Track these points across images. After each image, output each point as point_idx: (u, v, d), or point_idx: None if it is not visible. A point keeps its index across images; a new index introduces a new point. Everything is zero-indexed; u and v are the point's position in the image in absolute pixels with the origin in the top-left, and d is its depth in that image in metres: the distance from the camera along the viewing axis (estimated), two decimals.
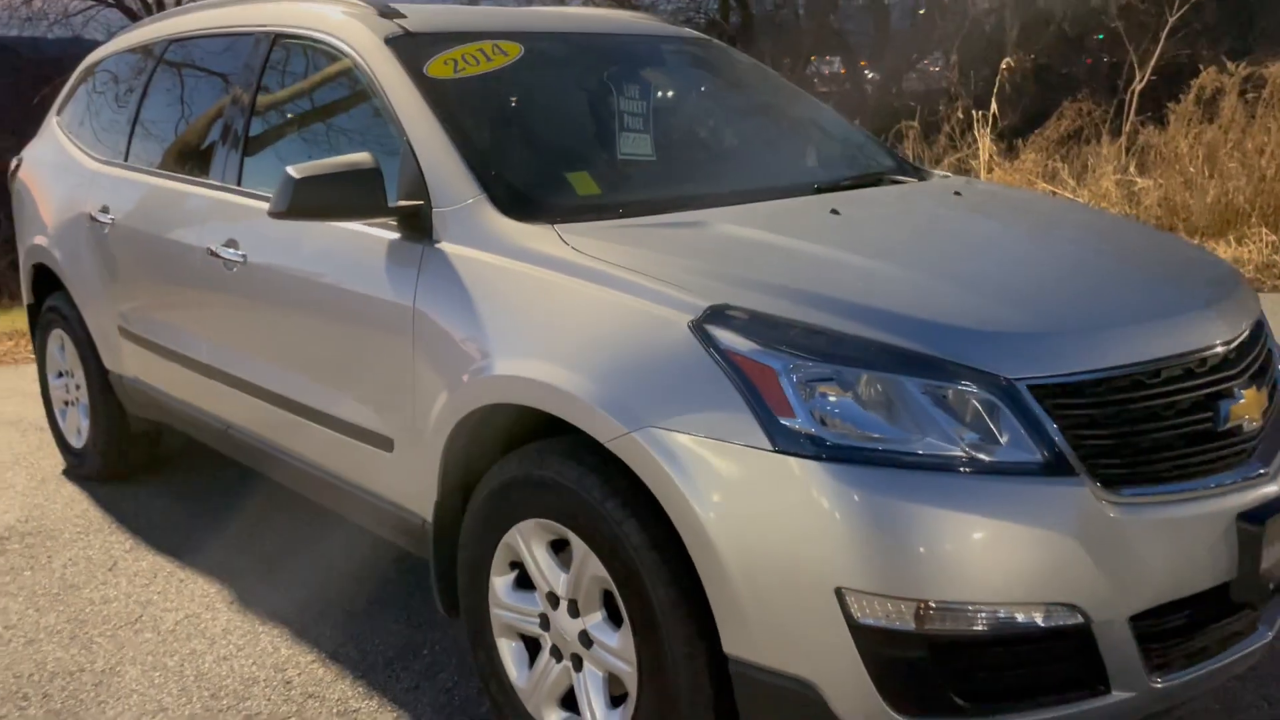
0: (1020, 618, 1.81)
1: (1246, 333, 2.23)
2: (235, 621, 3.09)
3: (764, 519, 1.84)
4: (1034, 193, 3.43)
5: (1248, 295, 2.41)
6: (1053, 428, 1.85)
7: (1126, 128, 9.62)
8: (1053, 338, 1.94)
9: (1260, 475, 2.06)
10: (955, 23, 13.72)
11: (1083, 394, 1.91)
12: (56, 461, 4.47)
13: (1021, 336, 1.93)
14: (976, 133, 8.71)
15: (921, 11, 16.71)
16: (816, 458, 1.81)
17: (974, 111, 8.73)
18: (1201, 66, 9.24)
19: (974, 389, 1.86)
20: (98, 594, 3.30)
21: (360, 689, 2.72)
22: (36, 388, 4.69)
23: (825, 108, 3.56)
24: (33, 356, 6.20)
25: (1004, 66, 8.68)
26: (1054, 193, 9.10)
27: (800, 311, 1.95)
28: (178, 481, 4.21)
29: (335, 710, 2.63)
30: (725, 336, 1.92)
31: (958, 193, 2.83)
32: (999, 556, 1.79)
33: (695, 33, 3.69)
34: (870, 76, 17.71)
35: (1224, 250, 7.72)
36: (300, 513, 3.75)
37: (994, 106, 8.60)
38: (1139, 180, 9.08)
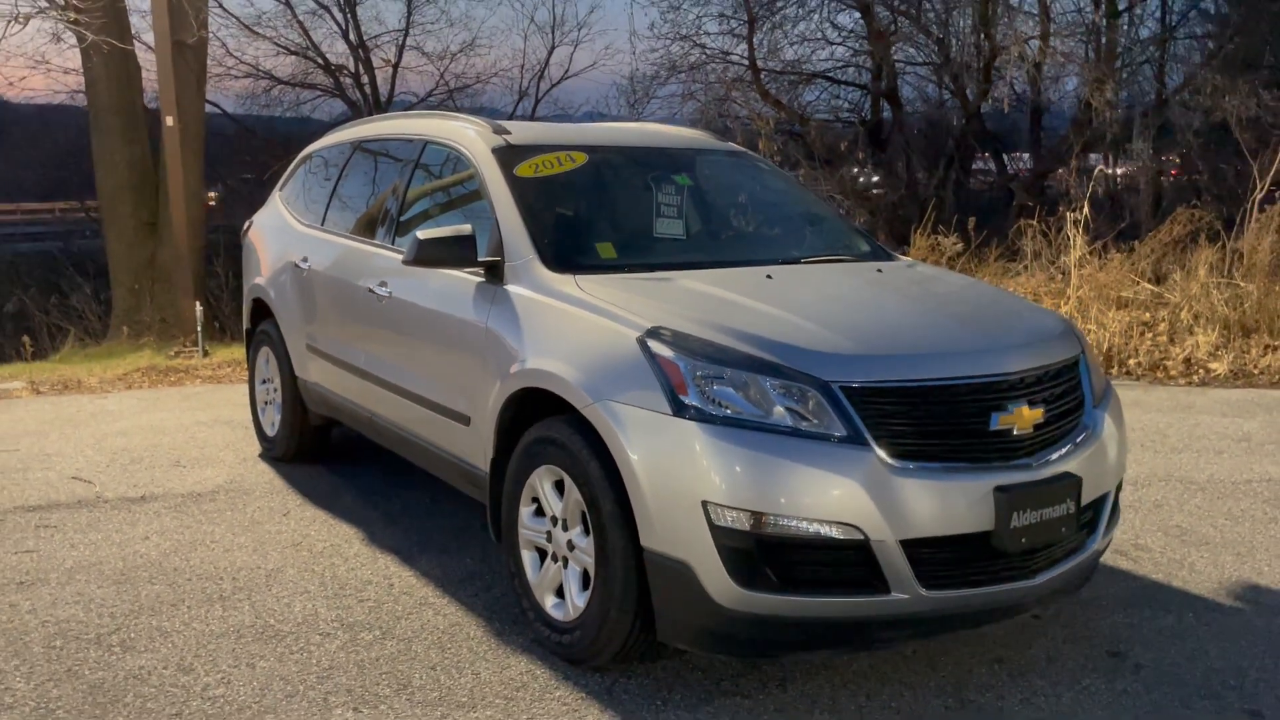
0: (818, 529, 2.83)
1: (1043, 369, 3.18)
2: (363, 550, 4.36)
3: (665, 457, 2.93)
4: (948, 272, 4.34)
5: (1062, 344, 3.36)
6: (854, 414, 2.89)
7: (1249, 233, 10.08)
8: (862, 358, 2.98)
9: (1022, 465, 3.02)
10: (1092, 129, 14.36)
11: (880, 395, 2.93)
12: (255, 447, 5.94)
13: (841, 356, 2.97)
14: (1069, 232, 9.45)
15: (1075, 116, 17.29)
16: (699, 420, 2.90)
17: (1068, 213, 9.49)
18: None
19: (804, 386, 2.91)
20: (274, 528, 4.65)
21: (439, 592, 3.92)
22: (246, 400, 6.20)
23: (826, 205, 4.65)
24: (245, 380, 7.87)
25: (1098, 171, 9.39)
26: (1157, 291, 9.70)
27: (706, 333, 3.06)
28: (337, 464, 5.58)
29: (419, 602, 3.83)
30: (655, 345, 3.05)
31: (879, 270, 3.88)
32: (806, 489, 2.82)
33: (734, 145, 4.87)
34: (1018, 175, 18.32)
35: None
36: (415, 487, 5.05)
37: (1086, 209, 9.34)
38: (1241, 283, 9.57)
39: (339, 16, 20.77)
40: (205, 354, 9.73)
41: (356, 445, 5.76)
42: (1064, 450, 3.15)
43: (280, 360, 5.48)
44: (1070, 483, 3.08)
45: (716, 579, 2.87)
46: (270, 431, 5.73)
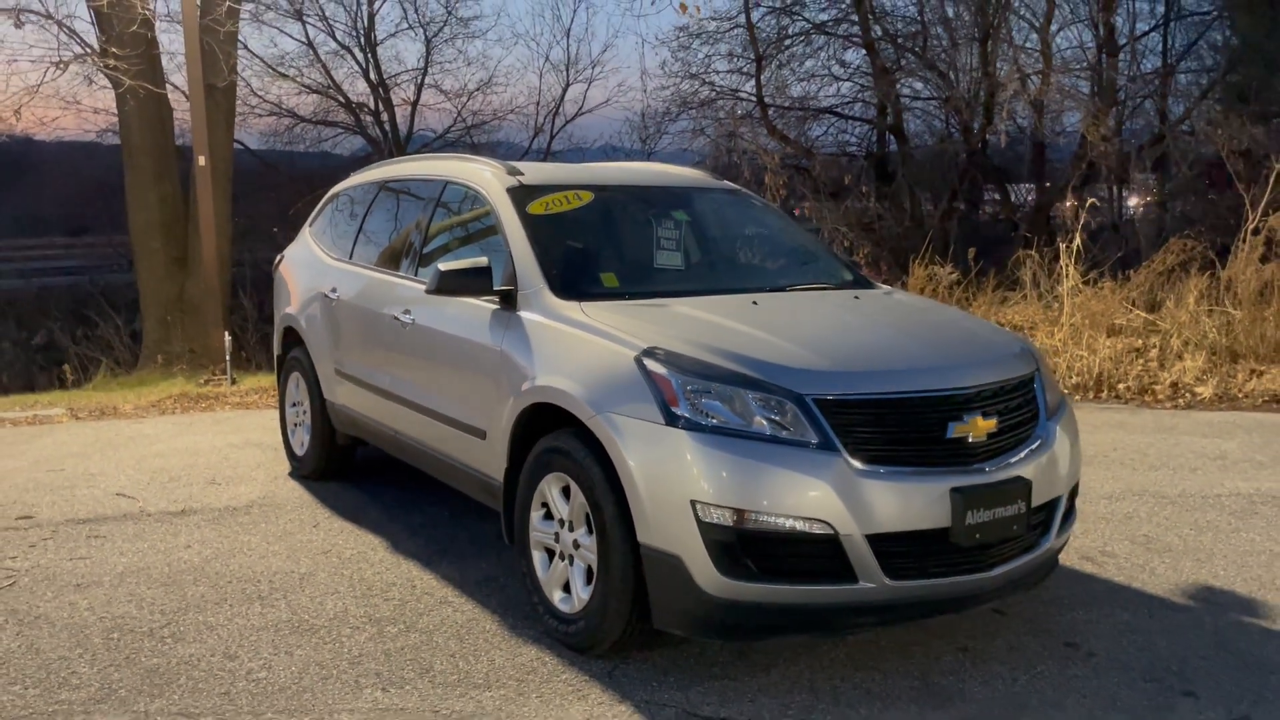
0: (793, 525, 3.20)
1: (998, 384, 3.55)
2: (388, 556, 4.75)
3: (659, 462, 3.31)
4: (920, 299, 4.70)
5: (1017, 363, 3.73)
6: (825, 423, 3.26)
7: (1238, 262, 10.40)
8: (833, 374, 3.36)
9: (977, 469, 3.39)
10: (1091, 163, 14.73)
11: (849, 407, 3.31)
12: (284, 466, 6.34)
13: (815, 372, 3.36)
14: (1062, 262, 9.82)
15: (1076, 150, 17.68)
16: (688, 429, 3.28)
17: (1060, 244, 9.87)
18: None
19: (782, 399, 3.29)
20: (304, 537, 5.04)
21: (457, 592, 4.29)
22: (275, 424, 6.59)
23: (813, 239, 5.05)
24: (272, 405, 8.29)
25: (1090, 203, 9.76)
26: (1149, 319, 10.04)
27: (696, 352, 3.45)
28: (362, 481, 5.98)
29: (439, 600, 4.21)
30: (650, 363, 3.44)
31: (856, 297, 4.28)
32: (782, 489, 3.20)
33: (730, 183, 5.28)
34: (1022, 207, 18.70)
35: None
36: (435, 502, 5.44)
37: (1078, 239, 9.71)
38: (1231, 310, 9.89)
39: (360, 56, 21.37)
40: (233, 382, 10.16)
41: (380, 464, 6.16)
42: (1018, 456, 3.51)
43: (310, 384, 5.88)
44: (1021, 486, 3.44)
45: (704, 570, 3.24)
46: (299, 451, 6.12)
